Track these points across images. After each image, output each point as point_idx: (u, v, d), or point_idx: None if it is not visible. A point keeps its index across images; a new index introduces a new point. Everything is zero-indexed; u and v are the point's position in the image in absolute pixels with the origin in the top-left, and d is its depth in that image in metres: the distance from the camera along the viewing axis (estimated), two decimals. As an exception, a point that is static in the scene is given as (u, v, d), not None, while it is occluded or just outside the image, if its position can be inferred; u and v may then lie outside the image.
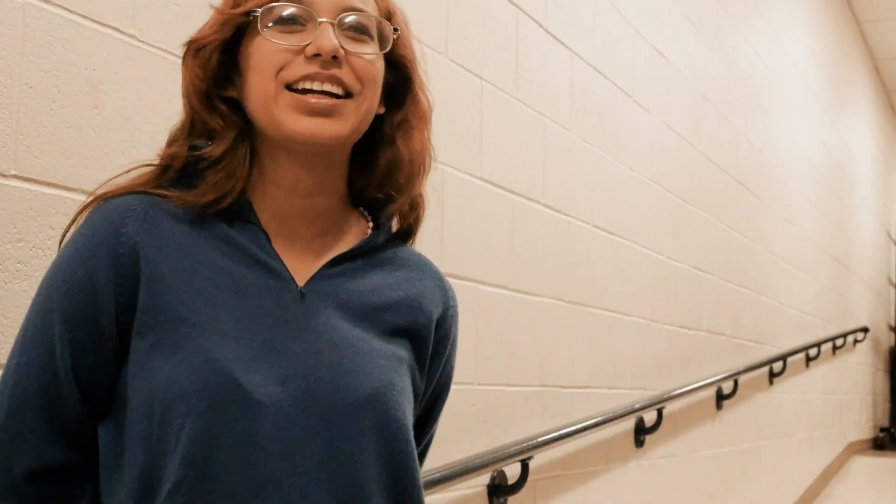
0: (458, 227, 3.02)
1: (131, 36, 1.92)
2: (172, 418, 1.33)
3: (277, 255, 1.43)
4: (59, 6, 1.79)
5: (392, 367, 1.44)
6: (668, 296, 4.86)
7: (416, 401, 1.51)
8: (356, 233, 1.51)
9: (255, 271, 1.41)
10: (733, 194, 5.96)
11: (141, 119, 1.93)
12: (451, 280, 3.00)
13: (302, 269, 1.45)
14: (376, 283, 1.49)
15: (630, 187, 4.38)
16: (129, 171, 1.46)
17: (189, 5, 2.03)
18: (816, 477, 8.09)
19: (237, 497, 1.32)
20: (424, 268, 1.58)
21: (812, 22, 8.06)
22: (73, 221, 1.44)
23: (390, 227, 1.53)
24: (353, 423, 1.38)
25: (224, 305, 1.38)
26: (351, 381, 1.39)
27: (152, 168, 1.45)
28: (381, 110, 1.50)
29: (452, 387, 3.15)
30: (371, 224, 1.53)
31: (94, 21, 1.84)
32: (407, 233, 1.57)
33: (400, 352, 1.47)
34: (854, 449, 10.07)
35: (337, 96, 1.40)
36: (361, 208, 1.54)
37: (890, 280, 12.33)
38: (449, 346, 1.58)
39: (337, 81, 1.40)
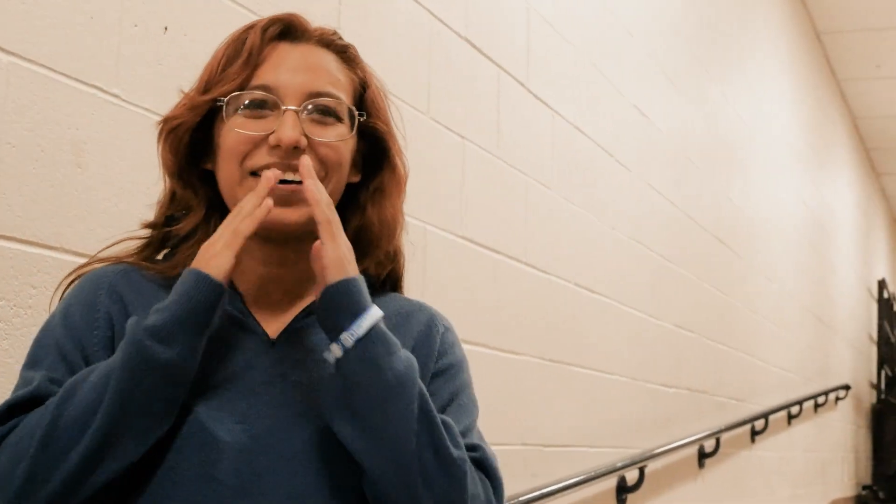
0: (441, 285, 3.02)
1: (115, 95, 1.92)
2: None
3: (249, 312, 1.47)
4: (42, 66, 1.79)
5: None
6: (650, 354, 4.85)
7: None
8: None
9: (223, 323, 1.44)
10: (714, 253, 5.98)
11: (124, 178, 1.93)
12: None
13: (276, 325, 1.48)
14: None
15: (612, 246, 4.39)
16: (117, 242, 1.54)
17: (173, 65, 2.04)
18: (799, 536, 8.07)
19: None
20: (413, 311, 1.58)
21: (792, 81, 8.13)
22: (72, 280, 1.52)
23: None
24: (311, 463, 1.40)
25: None
26: (314, 423, 1.41)
27: (139, 241, 1.53)
28: (357, 178, 1.53)
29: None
30: None
31: (77, 80, 1.84)
32: (394, 282, 1.60)
33: None
34: (837, 507, 10.04)
35: (300, 181, 1.42)
36: None
37: (871, 337, 12.34)
38: (445, 362, 1.59)
39: (298, 170, 1.42)
